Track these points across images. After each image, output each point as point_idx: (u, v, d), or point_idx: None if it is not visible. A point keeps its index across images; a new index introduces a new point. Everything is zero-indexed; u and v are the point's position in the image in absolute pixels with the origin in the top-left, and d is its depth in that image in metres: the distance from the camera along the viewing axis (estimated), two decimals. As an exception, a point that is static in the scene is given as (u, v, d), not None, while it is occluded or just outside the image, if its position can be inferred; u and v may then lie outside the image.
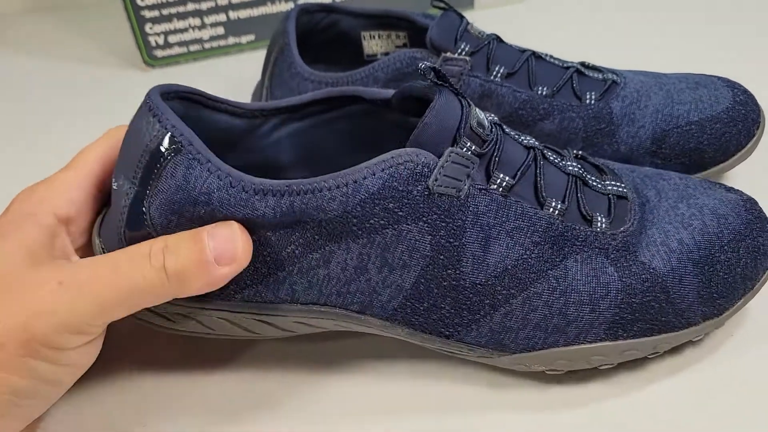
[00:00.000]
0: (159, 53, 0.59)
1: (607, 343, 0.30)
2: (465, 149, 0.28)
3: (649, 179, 0.33)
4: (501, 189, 0.28)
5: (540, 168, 0.30)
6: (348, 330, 0.31)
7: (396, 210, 0.27)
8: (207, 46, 0.60)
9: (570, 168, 0.31)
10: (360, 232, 0.27)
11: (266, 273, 0.28)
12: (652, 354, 0.31)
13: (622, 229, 0.30)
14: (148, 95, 0.29)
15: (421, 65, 0.28)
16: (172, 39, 0.58)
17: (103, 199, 0.32)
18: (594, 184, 0.31)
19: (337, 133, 0.34)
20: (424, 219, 0.27)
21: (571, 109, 0.37)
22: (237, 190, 0.27)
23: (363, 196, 0.27)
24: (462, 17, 0.39)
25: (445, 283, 0.29)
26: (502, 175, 0.28)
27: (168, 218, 0.27)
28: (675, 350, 0.32)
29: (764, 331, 0.33)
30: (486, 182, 0.28)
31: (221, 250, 0.27)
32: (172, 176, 0.27)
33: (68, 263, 0.28)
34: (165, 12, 0.57)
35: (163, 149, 0.27)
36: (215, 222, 0.27)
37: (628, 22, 0.60)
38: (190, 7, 0.57)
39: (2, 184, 0.44)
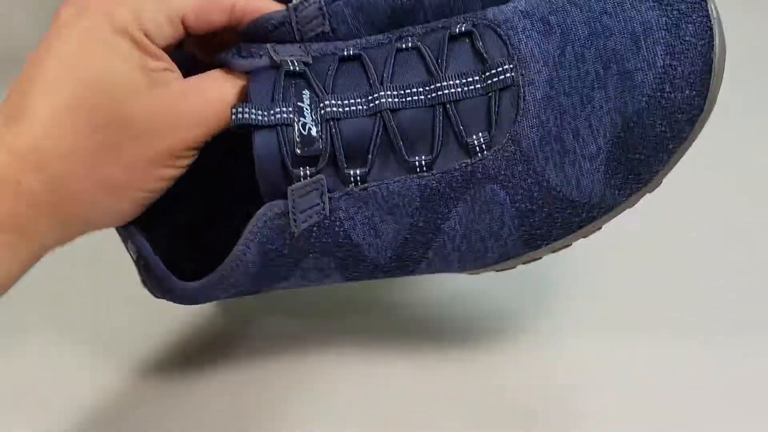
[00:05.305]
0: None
1: (531, 252, 0.29)
2: (303, 177, 0.26)
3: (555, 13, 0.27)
4: (358, 185, 0.27)
5: (393, 131, 0.26)
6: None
7: (289, 260, 0.28)
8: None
9: (438, 94, 0.26)
10: (289, 276, 0.29)
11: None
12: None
13: (509, 134, 0.26)
14: None
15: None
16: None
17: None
18: (470, 90, 0.26)
19: None
20: (314, 252, 0.28)
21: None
22: None
23: (252, 273, 0.27)
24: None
25: (366, 272, 0.29)
26: (353, 171, 0.26)
27: None
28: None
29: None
30: (343, 185, 0.27)
31: None
32: None
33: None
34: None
35: None
36: None
37: None
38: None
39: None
